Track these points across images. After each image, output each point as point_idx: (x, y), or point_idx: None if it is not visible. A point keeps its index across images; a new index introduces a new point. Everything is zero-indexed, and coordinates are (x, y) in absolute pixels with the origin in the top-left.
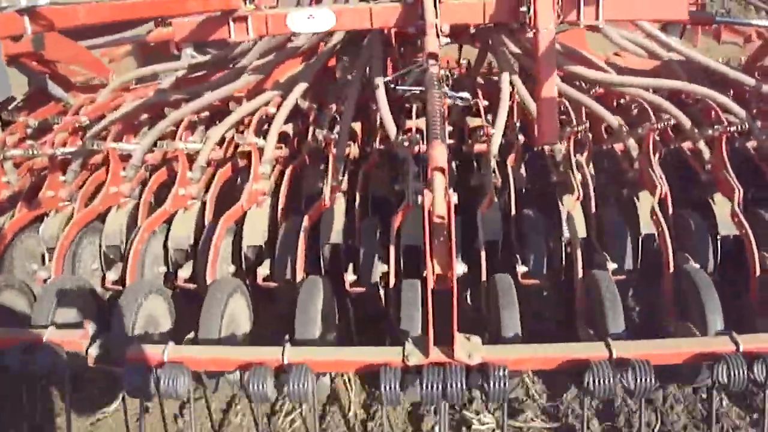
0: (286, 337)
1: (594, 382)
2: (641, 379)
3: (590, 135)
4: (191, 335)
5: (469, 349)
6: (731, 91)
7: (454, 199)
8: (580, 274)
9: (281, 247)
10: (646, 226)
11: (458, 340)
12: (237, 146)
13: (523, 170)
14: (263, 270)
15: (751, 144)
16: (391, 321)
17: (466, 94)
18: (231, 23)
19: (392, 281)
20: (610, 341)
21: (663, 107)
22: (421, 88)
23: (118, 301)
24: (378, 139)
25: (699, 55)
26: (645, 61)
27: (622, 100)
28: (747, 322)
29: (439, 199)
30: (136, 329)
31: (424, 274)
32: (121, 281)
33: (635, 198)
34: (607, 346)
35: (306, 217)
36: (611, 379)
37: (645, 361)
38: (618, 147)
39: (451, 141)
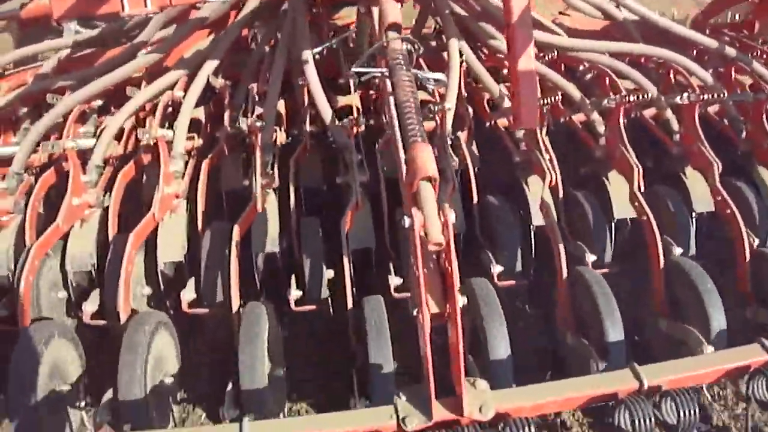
0: (228, 388)
1: (630, 422)
2: (686, 412)
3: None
4: (109, 394)
5: (478, 400)
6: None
7: (452, 217)
8: (564, 273)
9: (207, 262)
10: (621, 211)
11: (466, 390)
12: (139, 139)
13: (475, 149)
14: (188, 294)
15: (712, 109)
16: (354, 352)
17: (440, 75)
18: None
19: (350, 300)
20: (637, 368)
21: (625, 74)
22: (381, 70)
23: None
24: (307, 119)
25: (654, 15)
26: (595, 21)
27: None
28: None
29: (433, 220)
30: (39, 388)
31: (390, 287)
32: (11, 319)
33: (605, 179)
34: (636, 375)
35: (235, 228)
36: (649, 418)
37: (687, 390)
38: (577, 119)
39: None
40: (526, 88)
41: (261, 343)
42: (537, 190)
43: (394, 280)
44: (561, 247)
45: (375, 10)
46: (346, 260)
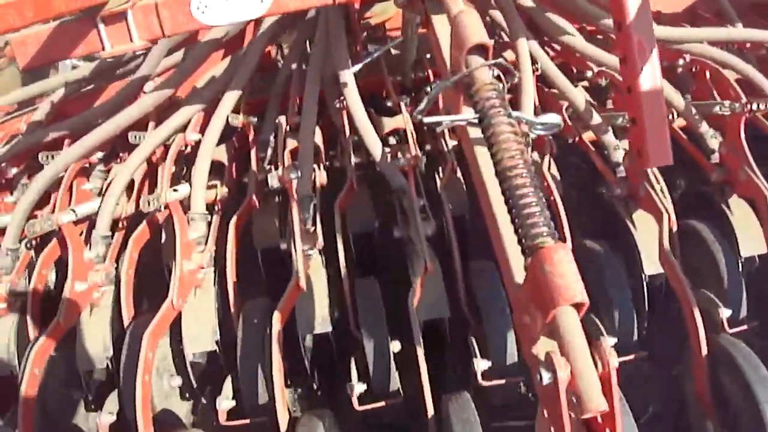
0: None
1: None
2: None
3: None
4: None
5: None
6: None
7: (614, 359)
8: (704, 344)
9: (244, 358)
10: (750, 247)
11: None
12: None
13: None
14: (225, 402)
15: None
16: None
17: (554, 118)
18: (100, 27)
19: (429, 406)
20: None
21: (740, 70)
22: (465, 117)
23: None
24: (350, 151)
25: None
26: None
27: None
28: None
29: (588, 376)
30: None
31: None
32: None
33: (727, 209)
34: None
35: (276, 315)
36: None
37: None
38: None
39: None
40: (653, 113)
41: None
42: (646, 230)
43: (481, 365)
44: (694, 306)
45: (437, 21)
46: (421, 355)
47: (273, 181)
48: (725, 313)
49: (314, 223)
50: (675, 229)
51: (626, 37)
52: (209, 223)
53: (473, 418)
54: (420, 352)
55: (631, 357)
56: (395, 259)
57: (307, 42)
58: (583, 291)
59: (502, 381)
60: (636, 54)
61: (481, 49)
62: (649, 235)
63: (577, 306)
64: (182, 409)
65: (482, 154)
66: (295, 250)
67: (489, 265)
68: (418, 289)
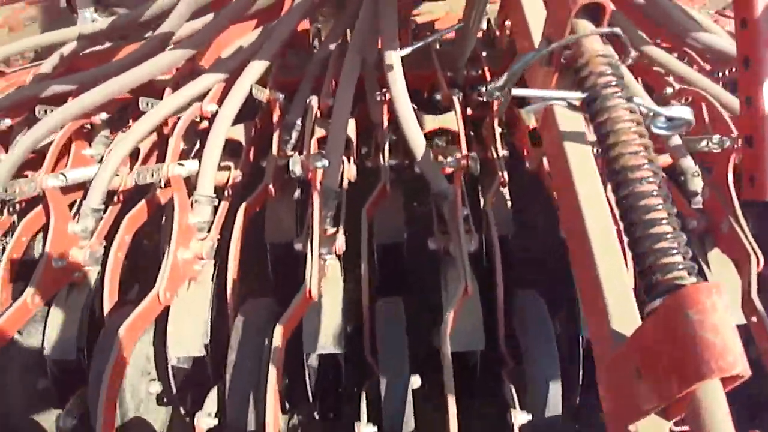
0: None
1: None
2: None
3: None
4: None
5: None
6: None
7: None
8: None
9: (235, 368)
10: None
11: None
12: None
13: None
14: (206, 420)
15: None
16: None
17: (685, 112)
18: None
19: None
20: None
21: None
22: (569, 95)
23: None
24: (386, 150)
25: None
26: None
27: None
28: None
29: None
30: None
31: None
32: None
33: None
34: None
35: (278, 329)
36: None
37: None
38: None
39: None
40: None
41: None
42: (724, 274)
43: (519, 417)
44: None
45: None
46: (452, 398)
47: (295, 167)
48: None
49: (337, 224)
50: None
51: (753, 35)
52: (215, 209)
53: None
54: (451, 394)
55: None
56: (425, 278)
57: (347, 27)
58: (745, 359)
59: None
60: (763, 56)
61: (594, 12)
62: (728, 279)
63: (731, 380)
64: (158, 417)
65: (578, 150)
66: (311, 253)
67: (535, 296)
68: (452, 315)
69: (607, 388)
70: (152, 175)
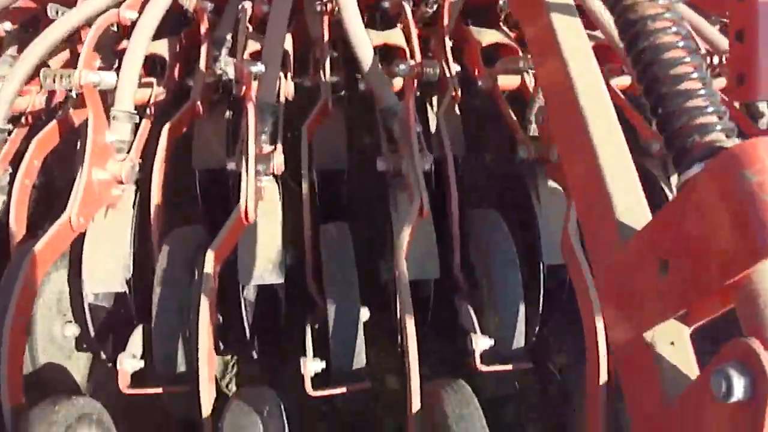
0: None
1: None
2: None
3: None
4: None
5: None
6: None
7: None
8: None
9: (161, 304)
10: None
11: None
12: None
13: None
14: (130, 362)
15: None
16: None
17: None
18: None
19: (415, 400)
20: None
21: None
22: None
23: None
24: (327, 64)
25: None
26: None
27: None
28: None
29: None
30: None
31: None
32: None
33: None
34: None
35: (209, 254)
36: None
37: None
38: None
39: None
40: None
41: None
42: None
43: (480, 342)
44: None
45: None
46: (411, 327)
47: (227, 68)
48: None
49: (274, 142)
50: None
51: None
52: (136, 127)
53: (477, 417)
54: (410, 324)
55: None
56: (370, 203)
57: None
58: None
59: (509, 367)
60: None
61: None
62: None
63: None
64: (77, 364)
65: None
66: (246, 172)
67: (492, 214)
68: (406, 237)
69: (611, 295)
70: (62, 81)
